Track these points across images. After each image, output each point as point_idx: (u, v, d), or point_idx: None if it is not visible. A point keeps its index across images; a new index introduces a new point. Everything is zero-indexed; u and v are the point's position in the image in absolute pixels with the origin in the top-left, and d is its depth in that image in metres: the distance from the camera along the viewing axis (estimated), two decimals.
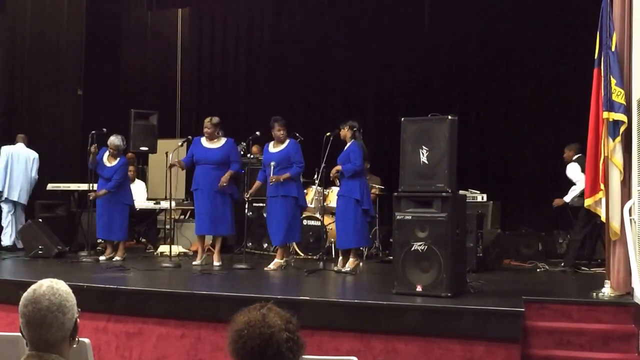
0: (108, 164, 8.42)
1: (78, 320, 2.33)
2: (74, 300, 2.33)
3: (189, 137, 8.29)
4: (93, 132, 8.47)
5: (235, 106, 12.60)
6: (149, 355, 5.57)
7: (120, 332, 5.66)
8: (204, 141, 8.01)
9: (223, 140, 8.01)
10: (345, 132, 7.49)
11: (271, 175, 7.57)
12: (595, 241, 7.87)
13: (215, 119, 8.04)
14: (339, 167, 7.40)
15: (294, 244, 8.83)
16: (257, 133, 8.08)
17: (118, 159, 8.43)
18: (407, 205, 5.74)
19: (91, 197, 8.43)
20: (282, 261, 7.73)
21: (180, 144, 8.44)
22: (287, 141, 7.81)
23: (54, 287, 2.29)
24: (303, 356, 3.92)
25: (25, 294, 2.29)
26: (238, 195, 8.14)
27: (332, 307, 5.37)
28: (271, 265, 7.63)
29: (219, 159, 7.88)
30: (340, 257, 7.57)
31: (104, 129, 8.51)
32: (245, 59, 12.64)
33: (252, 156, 9.40)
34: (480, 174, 9.85)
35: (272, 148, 7.83)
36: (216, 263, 7.84)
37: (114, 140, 8.47)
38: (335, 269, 7.42)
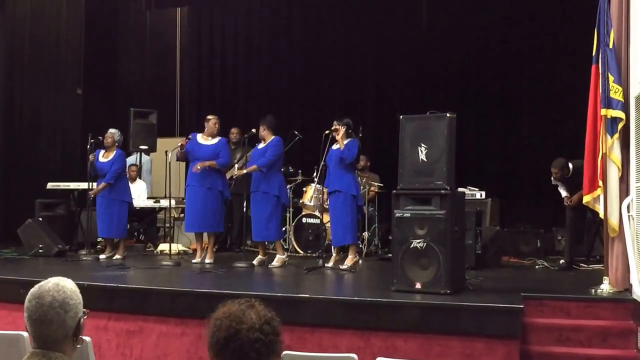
0: (104, 160, 8.43)
1: (82, 320, 2.33)
2: (79, 299, 2.33)
3: (190, 136, 8.29)
4: (91, 140, 8.49)
5: (234, 104, 12.61)
6: (149, 353, 5.59)
7: (120, 330, 5.68)
8: (200, 138, 8.07)
9: (217, 138, 8.08)
10: (340, 129, 7.46)
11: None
12: (594, 238, 7.90)
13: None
14: (342, 146, 7.32)
15: (294, 242, 8.88)
16: (253, 130, 8.12)
17: (114, 152, 8.45)
18: (406, 202, 5.75)
19: (91, 195, 8.45)
20: (284, 256, 7.79)
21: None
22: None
23: (59, 284, 2.30)
24: (303, 353, 3.95)
25: (31, 289, 2.31)
26: (229, 193, 8.18)
27: (332, 305, 5.37)
28: (275, 263, 7.68)
29: (210, 155, 7.93)
30: (334, 255, 7.61)
31: (100, 137, 8.52)
32: (244, 57, 12.65)
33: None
34: (479, 171, 9.86)
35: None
36: (207, 260, 7.87)
37: (111, 129, 8.53)
38: (331, 265, 7.45)
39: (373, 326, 5.14)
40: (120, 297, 5.89)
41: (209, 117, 8.19)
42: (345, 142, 7.45)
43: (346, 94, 11.74)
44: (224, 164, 7.99)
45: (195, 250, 8.30)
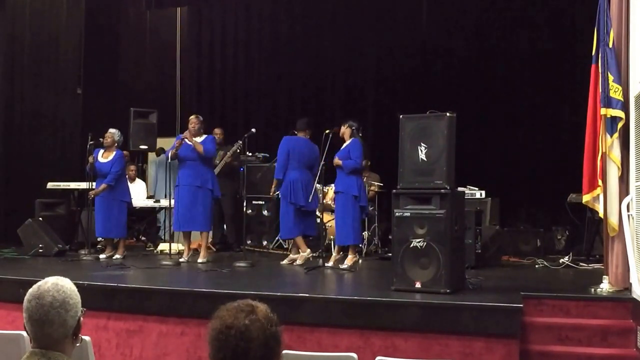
0: (104, 160, 8.43)
1: (82, 319, 2.34)
2: (78, 298, 2.34)
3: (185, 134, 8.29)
4: (91, 141, 8.49)
5: (234, 104, 12.61)
6: (149, 353, 5.60)
7: (120, 329, 5.69)
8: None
9: (204, 137, 8.11)
10: (344, 130, 7.58)
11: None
12: (594, 237, 7.90)
13: (200, 117, 8.22)
14: (339, 162, 7.43)
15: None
16: (253, 130, 8.12)
17: (114, 152, 8.44)
18: (406, 202, 5.76)
19: (91, 195, 8.44)
20: (306, 254, 7.84)
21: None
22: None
23: (58, 284, 2.30)
24: (303, 353, 3.95)
25: (30, 290, 2.31)
26: (219, 192, 8.19)
27: (332, 304, 5.38)
28: (298, 261, 7.78)
29: (198, 154, 7.93)
30: (334, 254, 7.62)
31: (100, 139, 8.53)
32: (244, 56, 12.64)
33: (250, 154, 9.44)
34: (478, 171, 9.84)
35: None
36: (200, 260, 7.88)
37: (111, 129, 8.53)
38: (331, 264, 7.46)
39: (373, 325, 5.15)
40: (120, 296, 5.90)
41: (190, 118, 8.23)
42: (348, 142, 7.54)
43: (347, 92, 11.74)
44: (209, 150, 7.99)
45: (195, 250, 8.31)
